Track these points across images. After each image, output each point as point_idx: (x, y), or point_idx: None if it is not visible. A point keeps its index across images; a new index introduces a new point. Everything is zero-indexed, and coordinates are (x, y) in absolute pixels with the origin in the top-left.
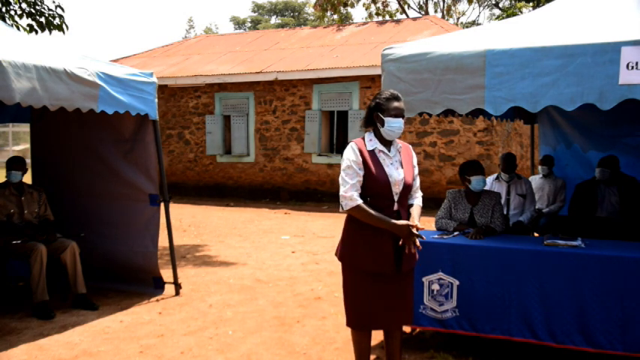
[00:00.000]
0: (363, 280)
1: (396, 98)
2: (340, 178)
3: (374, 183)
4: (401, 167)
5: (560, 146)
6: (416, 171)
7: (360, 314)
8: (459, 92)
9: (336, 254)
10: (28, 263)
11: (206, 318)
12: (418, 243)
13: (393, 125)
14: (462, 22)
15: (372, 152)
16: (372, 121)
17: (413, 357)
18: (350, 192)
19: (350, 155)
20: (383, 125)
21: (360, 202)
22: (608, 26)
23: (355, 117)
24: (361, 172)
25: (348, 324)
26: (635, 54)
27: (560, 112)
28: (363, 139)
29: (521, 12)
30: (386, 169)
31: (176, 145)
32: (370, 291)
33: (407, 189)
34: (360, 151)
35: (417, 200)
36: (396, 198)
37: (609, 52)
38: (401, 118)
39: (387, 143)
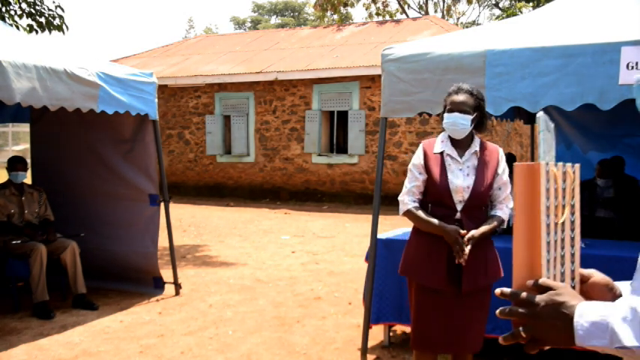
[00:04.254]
0: (424, 296)
1: (457, 92)
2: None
3: (433, 189)
4: (473, 174)
5: (560, 146)
6: (501, 179)
7: (420, 334)
8: None
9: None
10: (27, 263)
11: (206, 318)
12: (464, 255)
13: (446, 121)
14: (461, 22)
15: (438, 155)
16: None
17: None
18: (403, 196)
19: (414, 157)
20: (442, 122)
21: (410, 206)
22: (608, 26)
23: (355, 117)
24: (421, 177)
25: (412, 345)
26: (635, 54)
27: (560, 113)
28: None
29: (521, 12)
30: (449, 174)
31: (176, 145)
32: (430, 310)
33: (476, 198)
34: (425, 154)
35: (499, 212)
36: (459, 207)
37: (609, 52)
38: (457, 113)
39: (460, 145)
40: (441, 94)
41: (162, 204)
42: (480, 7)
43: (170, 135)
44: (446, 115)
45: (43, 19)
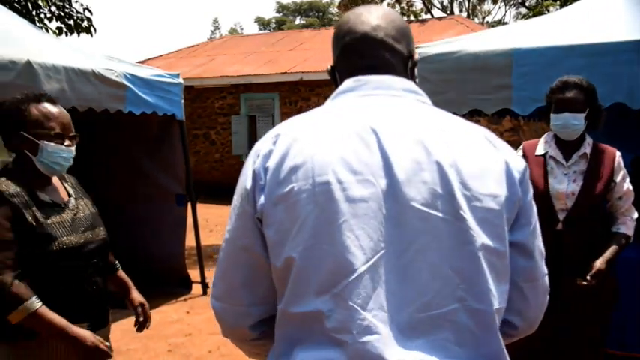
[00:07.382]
0: None
1: (563, 87)
2: None
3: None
4: (581, 180)
5: None
6: (620, 188)
7: None
8: (485, 92)
9: None
10: None
11: None
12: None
13: (555, 123)
14: (487, 22)
15: (541, 158)
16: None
17: None
18: None
19: None
20: (548, 123)
21: None
22: (637, 24)
23: None
24: None
25: None
26: None
27: None
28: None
29: (548, 11)
30: (550, 179)
31: (202, 145)
32: None
33: (582, 208)
34: (525, 157)
35: (623, 228)
36: (560, 216)
37: (638, 50)
38: (568, 113)
39: (567, 147)
40: (467, 94)
41: (189, 204)
42: (505, 6)
43: (196, 135)
44: (553, 116)
45: (71, 22)
